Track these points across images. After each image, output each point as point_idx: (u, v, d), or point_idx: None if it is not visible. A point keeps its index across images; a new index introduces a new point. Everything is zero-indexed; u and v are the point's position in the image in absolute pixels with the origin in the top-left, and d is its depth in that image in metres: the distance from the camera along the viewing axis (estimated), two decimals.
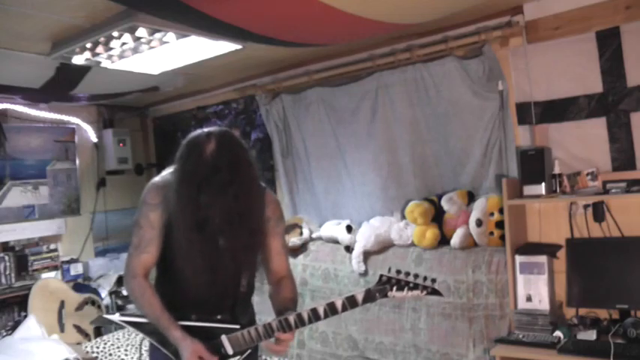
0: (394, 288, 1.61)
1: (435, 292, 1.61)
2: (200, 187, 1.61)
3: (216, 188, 1.61)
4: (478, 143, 2.98)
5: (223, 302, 1.83)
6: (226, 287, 1.81)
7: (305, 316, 1.68)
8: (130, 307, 4.14)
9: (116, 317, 1.89)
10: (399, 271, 1.64)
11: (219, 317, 1.81)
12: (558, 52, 2.71)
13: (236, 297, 1.85)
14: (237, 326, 1.76)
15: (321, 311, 1.66)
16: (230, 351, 1.73)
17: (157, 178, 1.80)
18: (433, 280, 1.60)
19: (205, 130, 1.73)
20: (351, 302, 1.65)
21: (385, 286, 1.62)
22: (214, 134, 1.69)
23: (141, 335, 1.83)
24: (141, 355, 1.96)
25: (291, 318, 1.69)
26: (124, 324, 1.86)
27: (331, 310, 1.65)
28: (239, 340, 1.73)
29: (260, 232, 1.79)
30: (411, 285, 1.60)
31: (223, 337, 1.73)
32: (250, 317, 1.94)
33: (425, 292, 1.60)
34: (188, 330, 1.70)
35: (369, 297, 1.62)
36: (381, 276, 1.63)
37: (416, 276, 1.61)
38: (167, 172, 1.80)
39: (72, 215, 4.35)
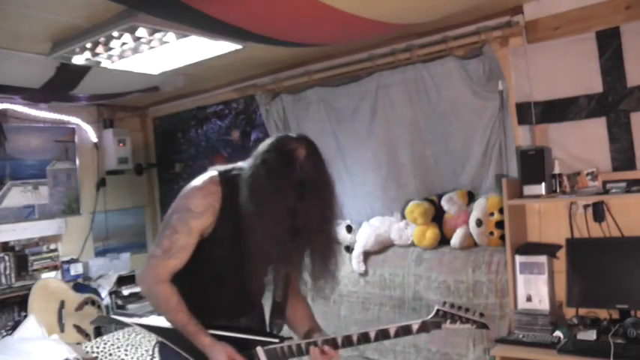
0: (448, 321, 1.64)
1: (484, 325, 1.66)
2: (297, 194, 1.56)
3: (314, 194, 1.58)
4: (478, 143, 2.98)
5: (252, 305, 1.82)
6: (259, 292, 1.80)
7: (354, 338, 1.64)
8: (130, 307, 4.14)
9: (130, 320, 1.87)
10: (452, 305, 1.66)
11: (243, 320, 1.80)
12: (558, 52, 2.70)
13: (261, 297, 1.84)
14: (276, 340, 1.72)
15: (372, 335, 1.64)
16: None
17: (200, 183, 1.71)
18: (482, 315, 1.66)
19: (289, 135, 1.68)
20: (405, 330, 1.64)
21: (441, 319, 1.64)
22: (302, 140, 1.65)
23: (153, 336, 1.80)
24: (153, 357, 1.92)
25: (339, 338, 1.65)
26: (140, 327, 1.83)
27: (383, 335, 1.64)
28: (277, 353, 1.68)
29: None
30: (464, 319, 1.64)
31: (259, 349, 1.68)
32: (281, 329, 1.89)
33: (475, 326, 1.65)
34: (218, 339, 1.66)
35: (424, 328, 1.64)
36: (438, 310, 1.65)
37: (467, 310, 1.65)
38: (210, 175, 1.72)
39: (72, 215, 4.34)
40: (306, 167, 1.58)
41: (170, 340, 1.73)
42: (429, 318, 1.64)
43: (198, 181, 1.72)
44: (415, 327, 1.63)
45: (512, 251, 2.66)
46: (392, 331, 1.63)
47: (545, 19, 2.73)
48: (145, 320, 1.84)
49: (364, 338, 1.64)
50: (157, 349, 1.87)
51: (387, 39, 3.15)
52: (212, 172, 1.74)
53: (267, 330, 1.84)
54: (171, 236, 1.67)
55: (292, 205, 1.56)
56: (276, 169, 1.58)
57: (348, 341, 1.65)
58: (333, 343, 1.65)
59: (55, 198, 4.24)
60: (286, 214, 1.56)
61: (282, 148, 1.62)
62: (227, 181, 1.69)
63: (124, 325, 3.20)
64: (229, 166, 1.76)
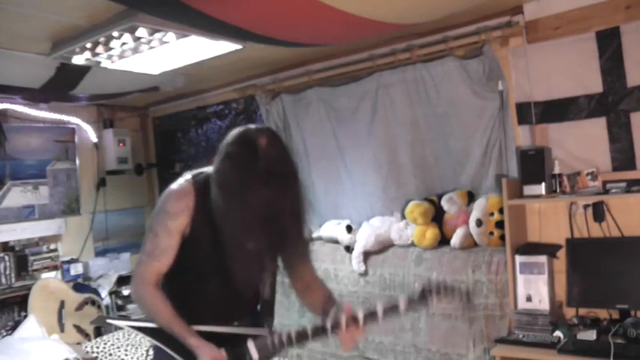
0: (434, 297, 1.61)
1: (467, 298, 1.67)
2: (262, 182, 1.54)
3: (279, 181, 1.56)
4: (478, 143, 2.98)
5: (244, 309, 1.82)
6: (250, 294, 1.79)
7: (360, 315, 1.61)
8: (130, 307, 4.14)
9: (123, 323, 1.86)
10: (438, 284, 1.65)
11: (235, 324, 1.79)
12: (558, 52, 2.71)
13: (257, 303, 1.83)
14: (265, 331, 1.72)
15: (360, 317, 1.60)
16: (255, 356, 1.64)
17: (175, 186, 1.72)
18: (467, 294, 1.69)
19: (250, 127, 1.66)
20: (392, 308, 1.62)
21: (427, 293, 1.61)
22: (264, 130, 1.64)
23: (147, 338, 1.80)
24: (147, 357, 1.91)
25: (342, 316, 1.61)
26: (132, 329, 1.83)
27: (371, 316, 1.61)
28: (267, 345, 1.66)
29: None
30: (449, 289, 1.62)
31: (250, 342, 1.65)
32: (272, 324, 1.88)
33: (459, 299, 1.63)
34: (209, 337, 1.64)
35: (411, 305, 1.61)
36: (424, 288, 1.63)
37: (452, 289, 1.65)
38: (185, 178, 1.73)
39: (72, 215, 4.35)
40: (269, 155, 1.57)
41: (163, 342, 1.72)
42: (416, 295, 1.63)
43: (174, 185, 1.74)
44: (402, 305, 1.60)
45: (512, 251, 2.66)
46: (379, 311, 1.60)
47: (545, 19, 2.73)
48: (138, 323, 1.84)
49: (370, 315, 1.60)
50: (152, 350, 1.87)
51: (387, 39, 3.15)
52: (187, 174, 1.76)
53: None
54: (153, 239, 1.69)
55: (259, 195, 1.55)
56: (238, 160, 1.58)
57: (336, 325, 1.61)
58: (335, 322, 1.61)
59: (55, 198, 4.24)
60: (254, 204, 1.55)
61: (243, 139, 1.62)
62: (200, 180, 1.71)
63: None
64: (204, 168, 1.77)
